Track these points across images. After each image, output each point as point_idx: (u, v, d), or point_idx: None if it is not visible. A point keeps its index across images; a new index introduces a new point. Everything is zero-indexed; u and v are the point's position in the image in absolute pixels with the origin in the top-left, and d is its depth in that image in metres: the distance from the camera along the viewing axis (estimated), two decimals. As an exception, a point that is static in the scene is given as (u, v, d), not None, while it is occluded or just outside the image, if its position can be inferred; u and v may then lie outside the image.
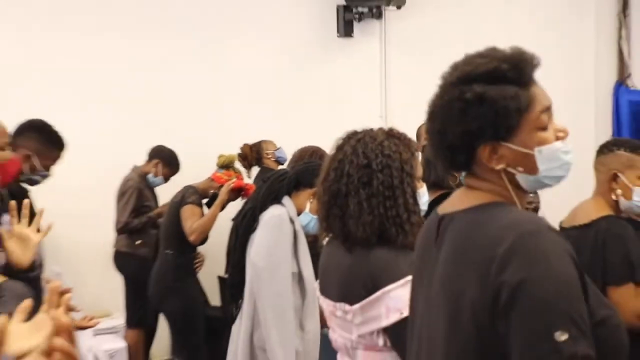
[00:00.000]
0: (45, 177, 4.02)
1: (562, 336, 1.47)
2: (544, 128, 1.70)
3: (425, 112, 1.79)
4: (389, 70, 7.15)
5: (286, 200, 3.54)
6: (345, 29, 6.99)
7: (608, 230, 3.01)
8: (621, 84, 7.36)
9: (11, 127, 3.68)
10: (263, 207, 3.55)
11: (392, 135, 2.50)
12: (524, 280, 1.52)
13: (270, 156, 6.13)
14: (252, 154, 6.10)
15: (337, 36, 7.02)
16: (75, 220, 5.99)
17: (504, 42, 1.81)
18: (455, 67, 1.74)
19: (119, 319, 6.11)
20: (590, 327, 1.53)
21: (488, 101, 1.64)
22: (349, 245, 2.43)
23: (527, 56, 1.71)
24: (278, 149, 6.16)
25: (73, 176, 5.67)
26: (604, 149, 3.21)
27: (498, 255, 1.55)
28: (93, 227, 6.10)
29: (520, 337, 1.53)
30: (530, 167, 1.70)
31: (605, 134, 7.07)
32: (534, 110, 1.68)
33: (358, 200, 2.38)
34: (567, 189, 1.79)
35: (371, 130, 2.53)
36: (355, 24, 7.02)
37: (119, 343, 5.74)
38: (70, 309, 2.71)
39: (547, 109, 1.71)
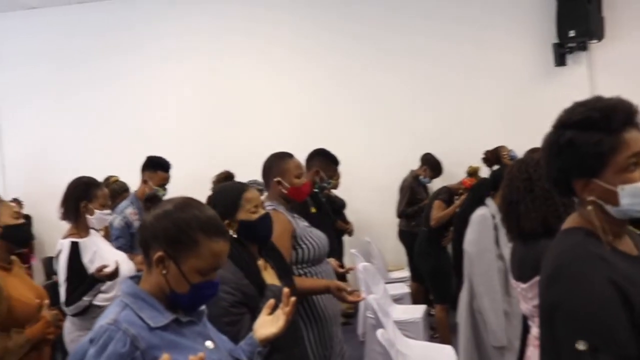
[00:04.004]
0: (329, 184, 4.06)
1: (582, 346, 1.29)
2: (630, 170, 1.38)
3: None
4: (595, 92, 6.34)
5: (488, 200, 3.32)
6: (560, 60, 6.30)
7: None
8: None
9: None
10: (471, 210, 3.39)
11: None
12: (556, 301, 1.38)
13: (505, 156, 5.75)
14: (493, 156, 5.76)
15: (554, 66, 6.35)
16: (379, 206, 6.35)
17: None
18: (565, 111, 1.47)
19: (407, 272, 6.09)
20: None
21: (575, 146, 1.40)
22: (523, 238, 2.27)
23: (621, 105, 1.40)
24: (510, 150, 5.74)
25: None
26: None
27: (544, 278, 1.46)
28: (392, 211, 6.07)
29: (554, 341, 1.38)
30: (613, 200, 1.39)
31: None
32: (620, 155, 1.37)
33: (525, 204, 2.26)
34: None
35: (532, 149, 2.43)
36: (568, 56, 6.30)
37: (405, 289, 5.74)
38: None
39: (637, 154, 1.37)
